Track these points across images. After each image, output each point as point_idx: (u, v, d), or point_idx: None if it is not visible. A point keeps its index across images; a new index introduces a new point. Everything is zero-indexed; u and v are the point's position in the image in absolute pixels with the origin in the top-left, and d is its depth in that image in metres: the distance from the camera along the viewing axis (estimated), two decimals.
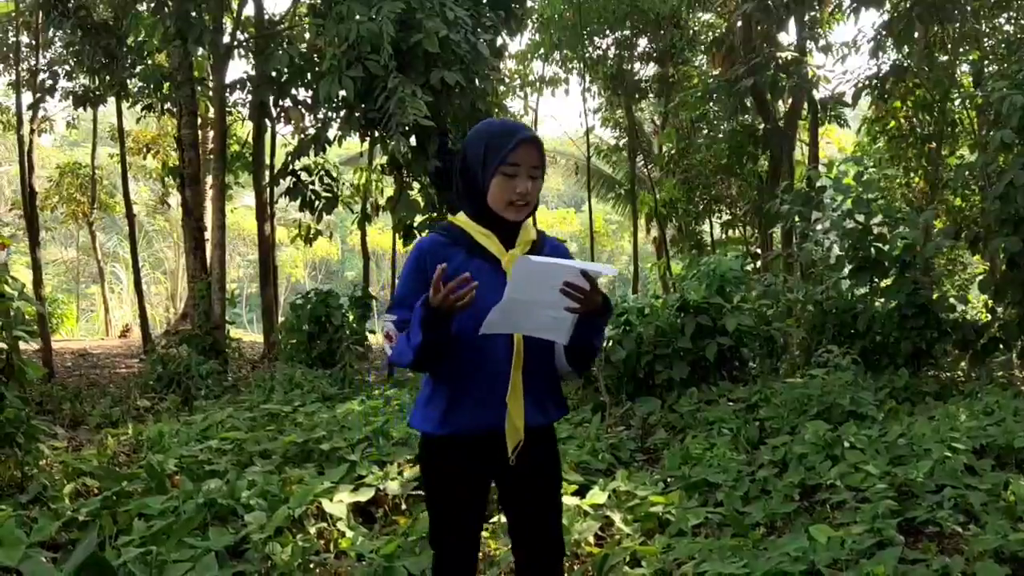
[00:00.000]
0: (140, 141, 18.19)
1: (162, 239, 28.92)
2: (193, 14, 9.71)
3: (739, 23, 13.44)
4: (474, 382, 2.32)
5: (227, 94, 11.04)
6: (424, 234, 8.87)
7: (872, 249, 7.90)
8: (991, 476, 4.80)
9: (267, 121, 11.36)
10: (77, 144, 30.61)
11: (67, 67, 12.91)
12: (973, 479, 4.76)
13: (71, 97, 12.85)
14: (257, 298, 27.86)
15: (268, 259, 13.43)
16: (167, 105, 12.09)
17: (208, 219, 12.46)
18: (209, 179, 12.70)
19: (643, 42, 16.63)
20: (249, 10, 12.78)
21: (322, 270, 36.60)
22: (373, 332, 10.35)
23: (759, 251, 14.26)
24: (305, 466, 4.89)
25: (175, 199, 17.76)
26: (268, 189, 13.05)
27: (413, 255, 2.37)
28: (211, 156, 12.97)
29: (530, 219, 2.45)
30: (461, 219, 2.40)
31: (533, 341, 2.31)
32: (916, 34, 12.70)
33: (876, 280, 8.04)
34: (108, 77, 11.76)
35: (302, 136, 9.84)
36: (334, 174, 10.32)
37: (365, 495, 4.32)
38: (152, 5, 10.16)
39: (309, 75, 9.75)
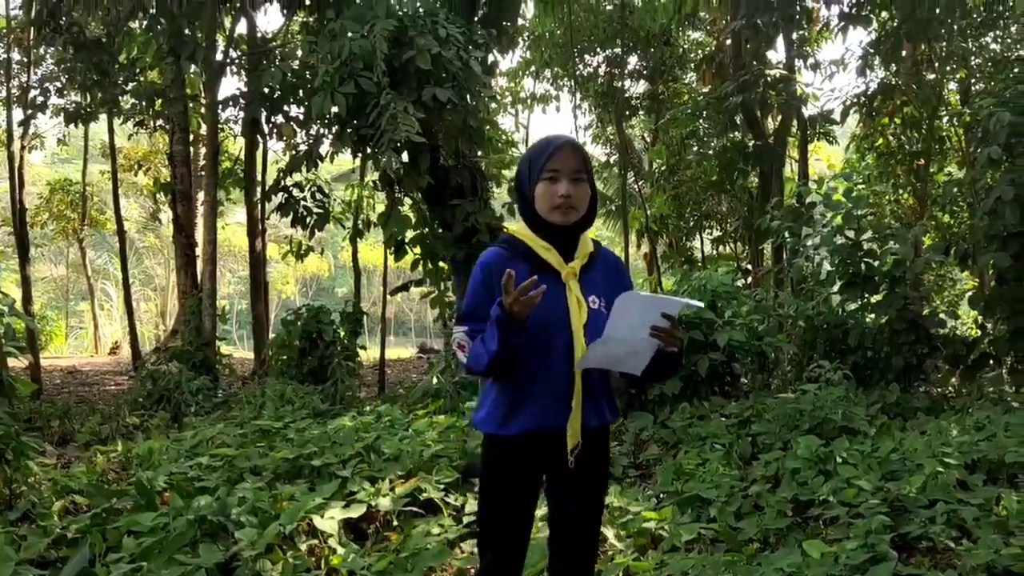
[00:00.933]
0: (131, 158, 18.16)
1: (152, 256, 28.81)
2: (186, 31, 9.73)
3: (728, 41, 13.54)
4: (537, 384, 2.41)
5: (219, 110, 11.04)
6: (416, 251, 8.78)
7: (862, 265, 7.93)
8: (983, 491, 4.80)
9: (259, 137, 11.37)
10: (68, 161, 30.52)
11: (58, 84, 12.91)
12: (965, 494, 4.77)
13: (62, 114, 12.85)
14: (247, 314, 27.75)
15: (259, 275, 13.41)
16: (159, 122, 12.09)
17: (199, 235, 12.44)
18: (200, 195, 12.69)
19: (633, 60, 16.74)
20: (242, 28, 12.84)
21: (313, 286, 36.53)
22: (364, 348, 10.32)
23: (749, 267, 14.31)
24: (296, 482, 4.86)
25: (166, 215, 17.72)
26: (260, 205, 13.05)
27: (478, 269, 2.48)
28: (202, 172, 12.98)
29: (589, 231, 2.55)
30: (522, 232, 2.52)
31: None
32: (903, 52, 12.83)
33: (866, 296, 8.07)
34: (100, 94, 11.76)
35: (294, 152, 9.84)
36: (326, 190, 10.32)
37: (357, 511, 4.30)
38: (145, 23, 10.17)
39: (301, 92, 9.76)
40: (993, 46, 14.65)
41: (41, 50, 13.06)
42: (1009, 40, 14.79)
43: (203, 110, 13.07)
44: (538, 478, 2.53)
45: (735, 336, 7.17)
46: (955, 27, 12.11)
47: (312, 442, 5.35)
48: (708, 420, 6.60)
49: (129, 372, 13.52)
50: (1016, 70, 11.92)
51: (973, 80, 13.33)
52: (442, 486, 4.78)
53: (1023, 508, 4.48)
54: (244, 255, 26.16)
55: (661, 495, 5.20)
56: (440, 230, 9.32)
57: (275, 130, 10.25)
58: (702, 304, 2.73)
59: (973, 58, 13.66)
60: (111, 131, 13.79)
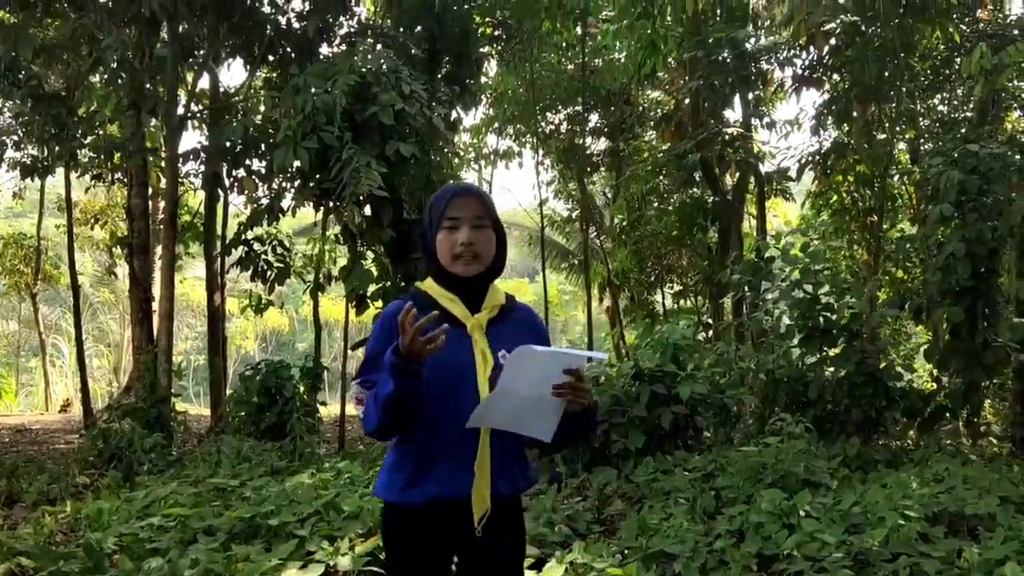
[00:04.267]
0: (88, 211, 17.92)
1: (107, 311, 28.30)
2: (147, 86, 9.73)
3: (687, 100, 13.86)
4: (440, 449, 2.25)
5: (180, 164, 10.99)
6: (378, 304, 8.73)
7: (821, 318, 8.05)
8: (944, 543, 4.83)
9: (219, 191, 11.32)
10: (21, 215, 30.09)
11: (15, 137, 12.75)
12: (927, 546, 4.79)
13: (19, 167, 12.66)
14: (204, 371, 27.24)
15: (218, 330, 13.22)
16: (117, 175, 11.97)
17: (156, 289, 12.27)
18: (158, 249, 12.54)
19: (594, 118, 17.03)
20: (204, 82, 12.86)
21: (273, 341, 36.07)
22: (324, 404, 10.17)
23: (710, 321, 14.44)
24: (252, 543, 4.72)
25: (122, 269, 17.47)
26: (219, 259, 12.92)
27: (380, 320, 2.36)
28: (160, 226, 12.85)
29: (496, 282, 2.42)
30: (428, 285, 2.39)
31: None
32: (855, 113, 13.22)
33: (825, 349, 8.17)
34: (57, 147, 11.63)
35: (256, 206, 9.80)
36: (287, 244, 10.26)
37: (315, 572, 4.18)
38: (106, 76, 10.15)
39: (263, 145, 9.77)
40: (940, 107, 15.18)
41: None
42: (956, 102, 15.34)
43: (163, 164, 13.02)
44: (448, 553, 2.35)
45: (697, 389, 7.19)
46: (903, 89, 12.52)
47: (269, 500, 5.22)
48: (672, 474, 6.57)
49: (80, 430, 13.14)
50: (963, 131, 12.36)
51: (922, 140, 13.75)
52: None
53: (984, 561, 4.51)
54: (202, 309, 25.79)
55: (626, 550, 5.13)
56: (403, 284, 9.30)
57: (237, 184, 10.20)
58: (606, 356, 2.60)
59: (921, 119, 14.11)
60: (68, 185, 13.60)
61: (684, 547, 4.99)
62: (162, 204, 13.19)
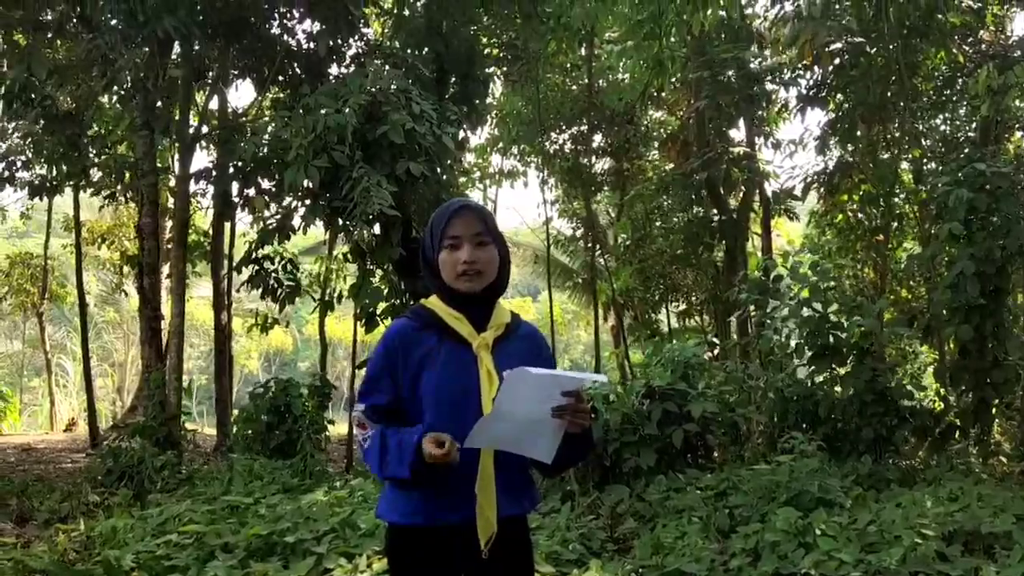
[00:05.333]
0: (94, 231, 17.98)
1: (111, 331, 28.28)
2: (159, 105, 9.81)
3: (691, 119, 13.94)
4: (444, 471, 2.18)
5: (191, 184, 11.06)
6: (387, 322, 8.76)
7: (830, 337, 8.05)
8: (962, 562, 4.82)
9: (229, 211, 11.37)
10: (26, 235, 30.19)
11: (22, 158, 12.79)
12: (945, 565, 4.78)
13: (28, 187, 12.72)
14: (206, 390, 27.23)
15: (224, 349, 13.25)
16: (128, 194, 12.03)
17: (164, 308, 12.30)
18: (165, 269, 12.59)
19: (598, 137, 17.12)
20: (213, 103, 12.95)
21: (276, 361, 36.06)
22: (332, 422, 10.17)
23: (715, 339, 14.44)
24: (269, 560, 4.72)
25: (130, 287, 17.48)
26: (227, 278, 12.96)
27: (383, 341, 2.35)
28: (169, 245, 12.90)
29: (502, 300, 2.42)
30: (433, 302, 2.38)
31: None
32: (859, 133, 13.30)
33: (834, 367, 8.17)
34: (66, 167, 11.69)
35: (266, 225, 9.85)
36: (296, 263, 10.31)
37: None
38: (119, 96, 10.23)
39: (274, 165, 9.82)
40: (943, 127, 15.26)
41: (5, 123, 12.99)
42: (958, 122, 15.42)
43: (172, 183, 13.09)
44: (455, 573, 2.30)
45: (709, 407, 7.19)
46: (907, 110, 12.60)
47: (285, 518, 5.21)
48: (684, 492, 6.56)
49: (86, 449, 13.13)
50: (966, 151, 12.42)
51: (924, 160, 13.81)
52: None
53: None
54: (206, 329, 25.86)
55: (640, 569, 5.12)
56: (411, 301, 9.32)
57: (247, 203, 10.26)
58: (606, 378, 2.57)
59: (924, 139, 14.19)
60: (76, 204, 13.67)
61: (700, 566, 4.99)
62: (169, 223, 13.25)
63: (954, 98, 14.27)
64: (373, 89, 8.91)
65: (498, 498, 2.25)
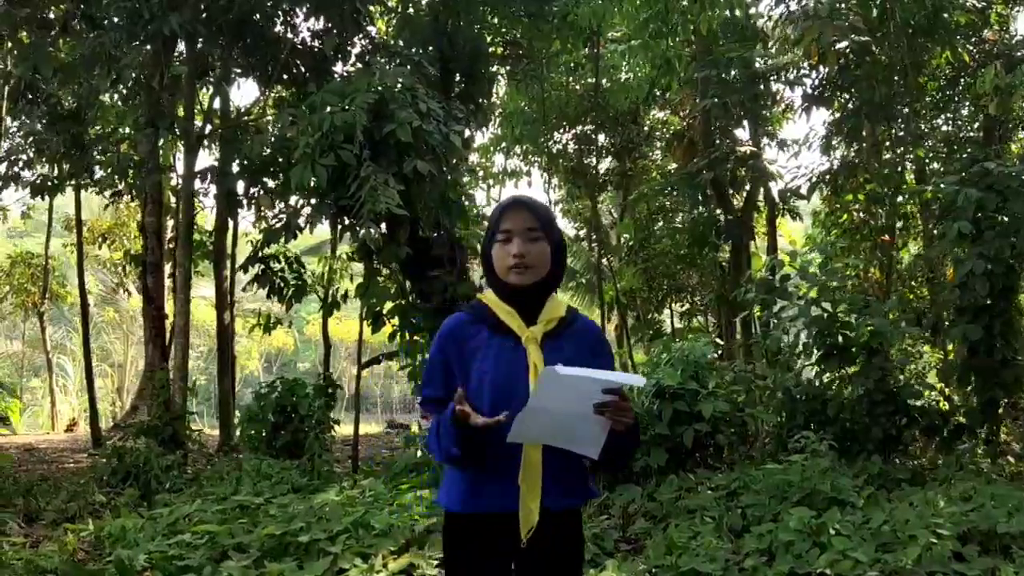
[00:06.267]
0: (95, 231, 17.94)
1: (111, 331, 28.19)
2: (163, 103, 9.77)
3: (697, 119, 13.92)
4: (492, 462, 2.26)
5: (196, 182, 11.02)
6: (395, 322, 8.67)
7: (840, 336, 8.02)
8: (979, 562, 4.80)
9: (235, 209, 11.33)
10: (25, 235, 30.12)
11: (24, 157, 12.73)
12: (961, 565, 4.76)
13: (29, 186, 12.66)
14: (206, 390, 27.15)
15: (227, 349, 13.20)
16: (133, 192, 11.98)
17: (168, 307, 12.26)
18: (167, 268, 12.54)
19: (602, 137, 17.10)
20: (216, 103, 12.89)
21: (276, 361, 36.00)
22: (338, 422, 10.14)
23: (718, 340, 14.42)
24: (283, 560, 4.68)
25: (132, 286, 17.45)
26: (230, 278, 12.91)
27: (438, 335, 2.42)
28: (171, 245, 12.85)
29: (557, 295, 2.44)
30: (488, 296, 2.43)
31: None
32: (864, 132, 13.28)
33: (843, 367, 8.14)
34: (68, 165, 11.63)
35: (273, 223, 9.80)
36: (302, 262, 10.27)
37: None
38: (124, 94, 10.19)
39: (280, 163, 9.77)
40: (944, 127, 15.25)
41: (9, 122, 12.94)
42: (960, 122, 15.41)
43: (174, 182, 13.04)
44: (505, 562, 2.36)
45: (720, 407, 7.16)
46: (910, 109, 12.58)
47: (298, 518, 5.18)
48: (696, 492, 6.54)
49: (88, 449, 13.09)
50: (968, 151, 12.41)
51: (926, 160, 13.78)
52: (435, 561, 4.63)
53: None
54: (205, 329, 25.74)
55: (655, 569, 5.10)
56: (418, 302, 9.29)
57: (253, 201, 10.22)
58: (643, 380, 2.59)
59: (926, 140, 14.17)
60: (78, 203, 13.61)
61: (715, 566, 4.96)
62: (171, 223, 13.20)
63: (956, 98, 14.26)
64: (380, 87, 8.86)
65: (547, 490, 2.28)
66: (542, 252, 2.33)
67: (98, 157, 11.67)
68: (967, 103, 14.27)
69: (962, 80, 13.39)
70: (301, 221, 9.19)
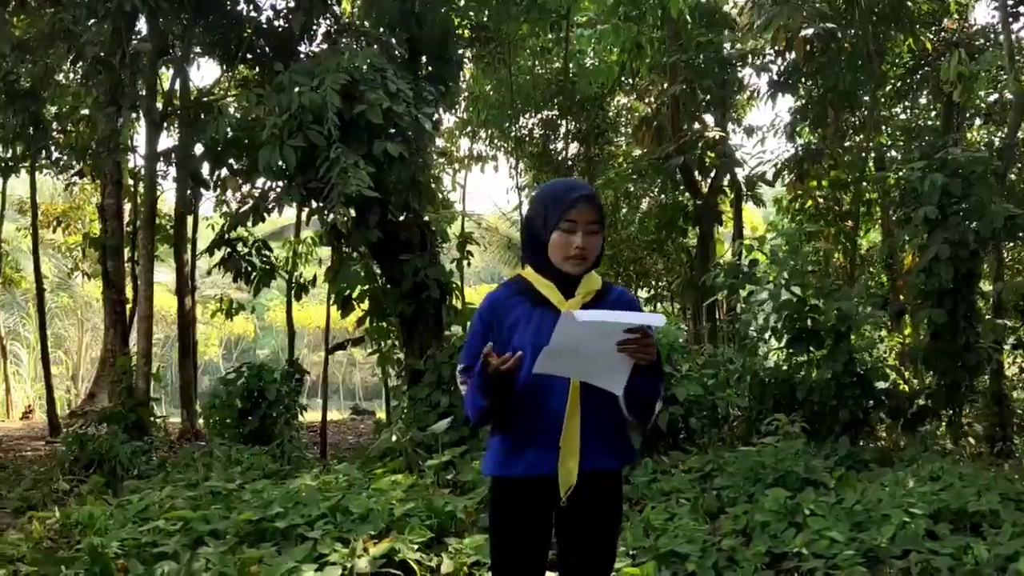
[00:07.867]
0: (49, 214, 17.47)
1: (65, 317, 27.52)
2: (125, 81, 9.50)
3: (665, 105, 13.94)
4: (532, 426, 2.43)
5: (159, 163, 10.75)
6: (364, 306, 8.56)
7: (808, 320, 8.10)
8: (952, 540, 4.88)
9: (200, 191, 11.09)
10: None
11: None
12: (935, 543, 4.83)
13: None
14: (163, 377, 26.65)
15: (187, 334, 12.97)
16: (93, 173, 11.66)
17: (128, 292, 12.00)
18: (127, 251, 12.26)
19: (567, 122, 17.04)
20: (176, 84, 12.58)
21: (236, 348, 35.52)
22: (305, 408, 10.02)
23: (683, 326, 14.51)
24: (260, 545, 4.60)
25: (89, 270, 17.04)
26: (191, 263, 12.67)
27: (479, 309, 2.59)
28: (129, 228, 12.56)
29: (593, 271, 2.57)
30: (528, 272, 2.58)
31: (593, 387, 2.40)
32: (828, 119, 13.44)
33: (812, 350, 8.23)
34: (24, 146, 11.28)
35: (238, 206, 9.60)
36: (269, 246, 10.08)
37: (332, 574, 4.09)
38: (82, 72, 9.88)
39: (246, 144, 9.55)
40: (902, 116, 15.50)
41: None
42: (917, 110, 15.67)
43: (132, 164, 12.72)
44: (547, 520, 2.52)
45: (693, 390, 7.20)
46: (873, 97, 12.74)
47: (275, 503, 5.09)
48: (670, 475, 6.57)
49: (45, 437, 12.80)
50: (928, 138, 12.60)
51: (886, 147, 13.98)
52: (415, 546, 4.59)
53: (994, 557, 4.57)
54: (164, 315, 25.26)
55: (632, 551, 5.11)
56: (388, 286, 9.18)
57: (220, 183, 10.00)
58: (663, 320, 2.74)
59: (885, 127, 14.38)
60: (33, 185, 13.24)
61: (693, 547, 4.98)
62: (128, 206, 12.89)
63: (915, 87, 14.48)
64: (350, 67, 8.71)
65: (585, 451, 2.42)
66: (598, 244, 2.50)
67: (56, 136, 11.32)
68: (926, 91, 14.50)
69: (922, 68, 13.60)
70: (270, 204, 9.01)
